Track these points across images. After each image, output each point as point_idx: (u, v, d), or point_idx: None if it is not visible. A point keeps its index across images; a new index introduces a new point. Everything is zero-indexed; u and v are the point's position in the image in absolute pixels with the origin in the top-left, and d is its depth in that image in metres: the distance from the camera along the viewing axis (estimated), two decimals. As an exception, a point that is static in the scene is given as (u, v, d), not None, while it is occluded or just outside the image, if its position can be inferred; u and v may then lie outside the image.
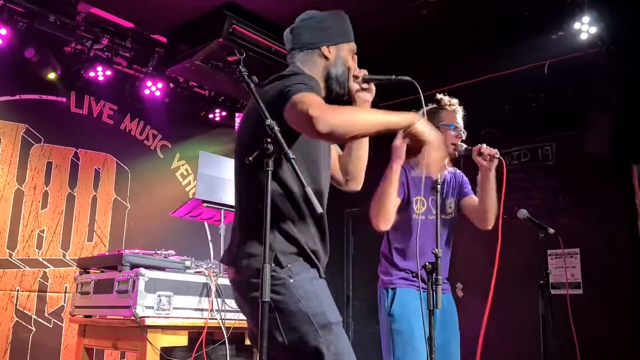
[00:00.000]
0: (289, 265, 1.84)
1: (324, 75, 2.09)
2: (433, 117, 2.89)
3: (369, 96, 2.20)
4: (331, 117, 1.71)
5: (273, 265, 1.78)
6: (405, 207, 2.83)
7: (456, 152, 2.88)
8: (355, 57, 2.20)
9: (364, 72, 2.18)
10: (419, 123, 1.90)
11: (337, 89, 2.12)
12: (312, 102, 1.73)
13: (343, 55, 2.14)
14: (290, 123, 1.77)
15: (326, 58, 2.11)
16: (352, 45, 2.19)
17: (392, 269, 2.87)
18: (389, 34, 5.05)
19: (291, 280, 1.82)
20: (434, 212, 2.70)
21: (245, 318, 2.08)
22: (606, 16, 4.40)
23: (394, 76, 2.19)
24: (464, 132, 2.90)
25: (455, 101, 2.99)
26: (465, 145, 2.85)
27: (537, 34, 4.96)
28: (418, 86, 2.15)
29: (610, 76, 4.47)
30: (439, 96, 2.99)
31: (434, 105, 2.99)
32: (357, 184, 2.27)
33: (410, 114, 1.93)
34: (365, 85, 2.18)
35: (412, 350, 2.66)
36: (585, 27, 4.51)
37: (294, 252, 1.88)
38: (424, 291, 2.40)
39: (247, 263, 1.86)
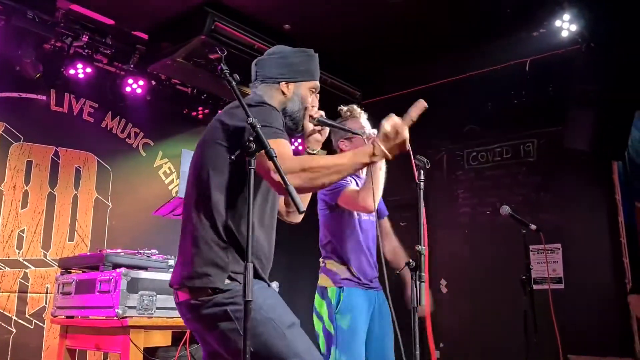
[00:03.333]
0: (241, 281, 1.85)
1: (279, 110, 2.08)
2: (339, 135, 3.01)
3: (320, 138, 2.25)
4: (297, 180, 1.75)
5: (228, 281, 1.84)
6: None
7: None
8: (317, 95, 2.23)
9: (320, 114, 2.20)
10: (381, 149, 1.87)
11: (290, 124, 2.14)
12: (282, 157, 1.73)
13: (302, 93, 2.15)
14: (255, 166, 1.74)
15: (284, 94, 2.13)
16: (315, 84, 2.20)
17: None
18: (369, 32, 5.06)
19: None
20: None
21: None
22: (586, 14, 4.44)
23: (347, 126, 2.33)
24: (372, 133, 2.88)
25: (353, 107, 3.06)
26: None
27: (518, 32, 5.00)
28: (365, 140, 2.16)
29: (591, 73, 4.52)
30: (340, 108, 3.05)
31: (338, 121, 2.99)
32: (298, 218, 2.32)
33: (369, 147, 1.89)
34: (319, 127, 2.22)
35: None
36: (566, 25, 4.56)
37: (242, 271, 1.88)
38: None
39: (202, 282, 1.85)
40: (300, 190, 1.80)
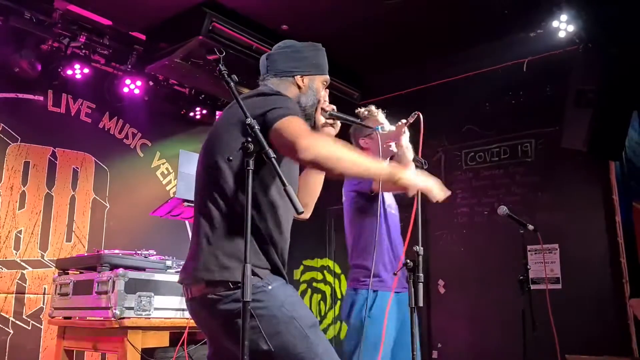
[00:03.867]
0: (263, 276, 1.84)
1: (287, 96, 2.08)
2: (360, 129, 2.99)
3: (333, 131, 2.26)
4: (318, 148, 1.77)
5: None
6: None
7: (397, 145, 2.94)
8: (327, 90, 2.25)
9: (332, 107, 2.22)
10: (407, 175, 1.98)
11: (303, 118, 2.13)
12: (300, 130, 1.77)
13: (315, 87, 2.16)
14: (274, 146, 1.76)
15: (299, 87, 2.13)
16: (326, 78, 2.22)
17: None
18: (367, 32, 5.07)
19: (270, 287, 1.82)
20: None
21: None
22: (583, 14, 4.45)
23: (359, 119, 2.33)
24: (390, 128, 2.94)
25: (370, 107, 3.11)
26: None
27: (516, 32, 5.02)
28: (379, 135, 2.18)
29: (588, 73, 4.52)
30: (357, 110, 3.08)
31: (356, 122, 3.02)
32: (307, 213, 2.29)
33: (393, 167, 2.02)
34: (330, 121, 2.23)
35: None
36: (564, 25, 4.57)
37: (266, 266, 1.87)
38: None
39: (221, 275, 1.81)
40: (320, 167, 1.88)
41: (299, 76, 2.13)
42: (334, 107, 2.24)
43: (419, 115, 2.56)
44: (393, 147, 2.87)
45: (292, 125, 1.77)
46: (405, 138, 2.84)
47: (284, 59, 2.16)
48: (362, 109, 3.10)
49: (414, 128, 2.51)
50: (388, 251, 2.98)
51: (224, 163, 1.89)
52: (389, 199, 3.11)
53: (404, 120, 2.80)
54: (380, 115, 3.06)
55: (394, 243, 3.01)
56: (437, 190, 2.09)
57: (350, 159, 1.85)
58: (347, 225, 3.10)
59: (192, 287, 1.90)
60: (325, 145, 1.80)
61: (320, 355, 1.79)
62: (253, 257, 1.79)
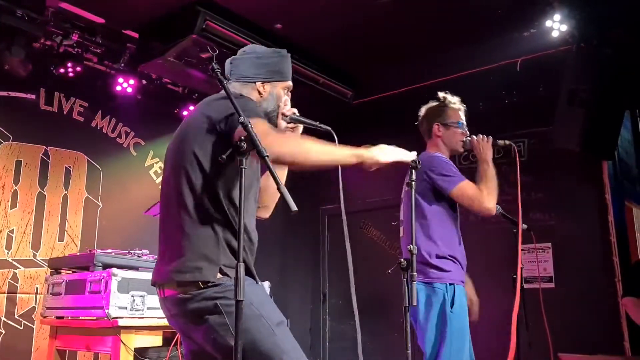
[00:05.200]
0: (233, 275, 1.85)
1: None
2: (439, 115, 3.05)
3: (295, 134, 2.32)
4: (279, 146, 1.83)
5: (219, 275, 1.85)
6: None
7: (464, 148, 3.14)
8: (289, 94, 2.28)
9: (292, 112, 2.26)
10: (372, 154, 2.05)
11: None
12: (262, 130, 1.81)
13: (276, 93, 2.21)
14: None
15: (260, 93, 2.17)
16: (288, 84, 2.26)
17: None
18: (360, 32, 5.06)
19: None
20: None
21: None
22: (577, 14, 4.46)
23: (318, 122, 2.35)
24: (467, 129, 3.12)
25: (457, 99, 3.16)
26: (467, 139, 3.12)
27: (509, 32, 5.02)
28: (336, 137, 2.21)
29: (581, 73, 4.54)
30: (442, 94, 3.19)
31: (438, 103, 3.19)
32: (267, 213, 2.34)
33: (361, 149, 2.05)
34: (292, 125, 2.28)
35: None
36: (557, 25, 4.57)
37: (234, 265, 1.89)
38: None
39: (193, 277, 1.85)
40: (286, 162, 1.96)
41: (260, 82, 2.18)
42: (295, 110, 2.28)
43: (513, 147, 2.67)
44: (460, 147, 3.07)
45: (255, 127, 1.77)
46: (489, 154, 3.02)
47: (246, 65, 2.21)
48: (442, 94, 3.20)
49: (507, 156, 2.59)
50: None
51: (196, 168, 1.92)
52: None
53: (500, 142, 3.06)
54: (462, 112, 3.18)
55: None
56: (405, 155, 2.20)
57: (316, 150, 1.92)
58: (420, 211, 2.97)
59: (165, 288, 1.95)
60: (287, 141, 1.92)
61: (287, 352, 1.83)
62: (223, 257, 1.86)
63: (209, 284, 1.83)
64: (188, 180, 1.93)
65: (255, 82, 2.17)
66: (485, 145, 3.00)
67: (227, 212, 1.91)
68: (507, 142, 3.07)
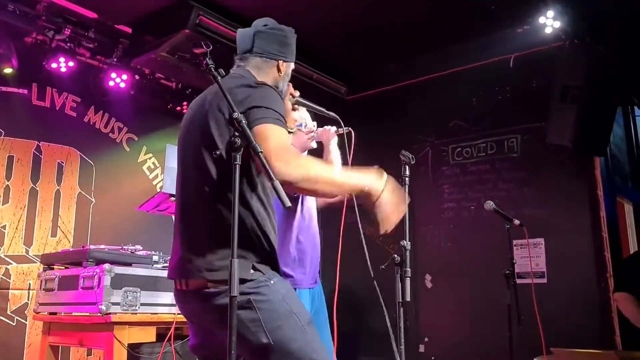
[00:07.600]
0: (264, 271, 1.85)
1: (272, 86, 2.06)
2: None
3: (297, 115, 2.38)
4: (291, 171, 1.72)
5: (252, 271, 1.80)
6: None
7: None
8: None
9: (297, 94, 2.29)
10: (379, 190, 1.94)
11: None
12: (279, 145, 1.74)
13: (289, 73, 2.20)
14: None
15: (279, 71, 2.14)
16: (293, 66, 2.25)
17: None
18: (354, 27, 5.06)
19: (272, 282, 1.84)
20: None
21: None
22: (570, 11, 4.48)
23: (323, 108, 2.35)
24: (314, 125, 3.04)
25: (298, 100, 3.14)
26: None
27: (502, 28, 5.03)
28: (342, 122, 2.20)
29: (574, 69, 4.56)
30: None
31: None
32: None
33: (371, 177, 1.95)
34: (296, 106, 2.31)
35: None
36: (550, 22, 4.59)
37: (266, 262, 1.88)
38: None
39: (224, 275, 1.73)
40: (296, 189, 1.82)
41: (282, 61, 2.14)
42: (299, 92, 2.31)
43: (350, 132, 2.57)
44: (313, 144, 3.00)
45: (273, 137, 1.74)
46: (334, 142, 3.00)
47: (273, 41, 2.14)
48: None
49: (342, 140, 2.50)
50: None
51: (212, 159, 1.87)
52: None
53: (333, 128, 2.94)
54: (305, 113, 3.05)
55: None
56: (394, 216, 2.00)
57: (325, 180, 1.83)
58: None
59: (188, 281, 1.89)
60: (298, 169, 1.75)
61: (317, 351, 1.82)
62: (254, 254, 1.83)
63: (241, 280, 1.73)
64: (212, 176, 1.88)
65: (278, 61, 2.13)
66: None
67: (255, 208, 1.87)
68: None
